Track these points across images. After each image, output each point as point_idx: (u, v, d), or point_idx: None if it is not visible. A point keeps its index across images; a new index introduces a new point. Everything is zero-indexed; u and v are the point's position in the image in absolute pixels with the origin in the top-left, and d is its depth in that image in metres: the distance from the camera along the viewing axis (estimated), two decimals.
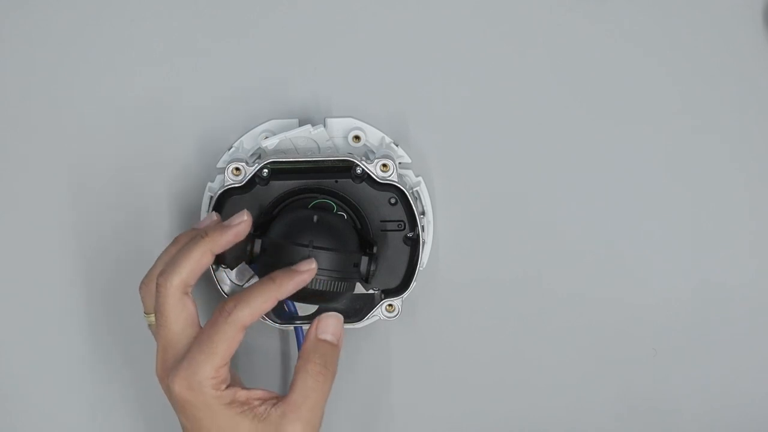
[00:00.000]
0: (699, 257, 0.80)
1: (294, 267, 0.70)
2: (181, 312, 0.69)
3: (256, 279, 0.76)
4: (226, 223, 0.71)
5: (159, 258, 0.73)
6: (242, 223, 0.71)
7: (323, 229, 0.72)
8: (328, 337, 0.71)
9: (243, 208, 0.74)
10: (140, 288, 0.73)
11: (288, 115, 0.78)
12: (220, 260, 0.76)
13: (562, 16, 0.78)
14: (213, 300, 0.79)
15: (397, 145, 0.78)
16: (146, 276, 0.73)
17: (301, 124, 0.77)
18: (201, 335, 0.68)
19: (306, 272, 0.70)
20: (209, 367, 0.67)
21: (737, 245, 0.80)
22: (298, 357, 0.70)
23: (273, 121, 0.78)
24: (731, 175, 0.80)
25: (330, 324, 0.71)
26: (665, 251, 0.80)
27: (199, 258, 0.69)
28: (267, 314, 0.76)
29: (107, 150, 0.79)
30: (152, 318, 0.72)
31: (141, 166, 0.79)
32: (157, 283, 0.69)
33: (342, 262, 0.72)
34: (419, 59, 0.78)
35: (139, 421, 0.82)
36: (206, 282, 0.78)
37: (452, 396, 0.81)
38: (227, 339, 0.68)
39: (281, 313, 0.77)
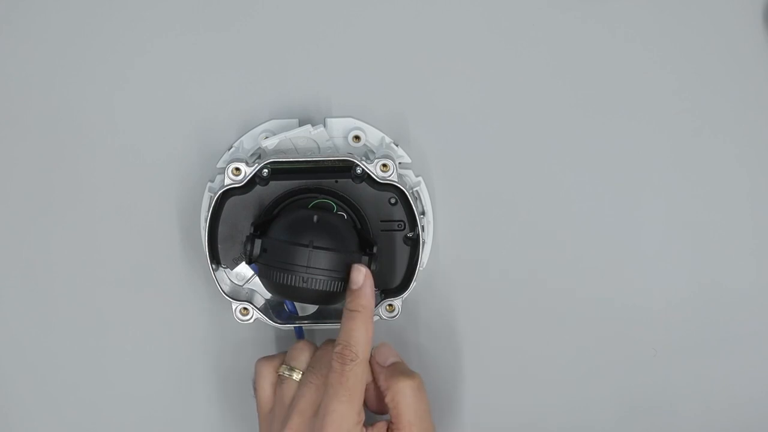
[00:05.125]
0: (699, 257, 0.80)
1: (351, 285, 0.72)
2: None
3: (256, 279, 0.76)
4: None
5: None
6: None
7: (323, 229, 0.72)
8: (394, 359, 0.74)
9: (243, 208, 0.74)
10: (297, 346, 0.75)
11: (288, 115, 0.79)
12: (220, 260, 0.76)
13: (563, 15, 0.78)
14: (213, 300, 0.79)
15: (397, 145, 0.78)
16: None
17: (301, 124, 0.77)
18: (335, 387, 0.70)
19: (366, 282, 0.72)
20: (354, 413, 0.70)
21: (738, 246, 0.80)
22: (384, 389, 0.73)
23: (273, 121, 0.78)
24: (731, 176, 0.80)
25: (385, 352, 0.74)
26: (666, 252, 0.80)
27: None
28: (267, 314, 0.76)
29: (107, 150, 0.79)
30: (296, 374, 0.73)
31: (141, 166, 0.79)
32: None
33: (342, 262, 0.72)
34: (419, 59, 0.78)
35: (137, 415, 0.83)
36: (206, 282, 0.78)
37: (452, 396, 0.81)
38: (360, 381, 0.71)
39: (281, 312, 0.77)
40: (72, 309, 0.81)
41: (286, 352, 0.75)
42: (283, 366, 0.74)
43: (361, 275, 0.72)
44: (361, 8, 0.78)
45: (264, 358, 0.76)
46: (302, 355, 0.74)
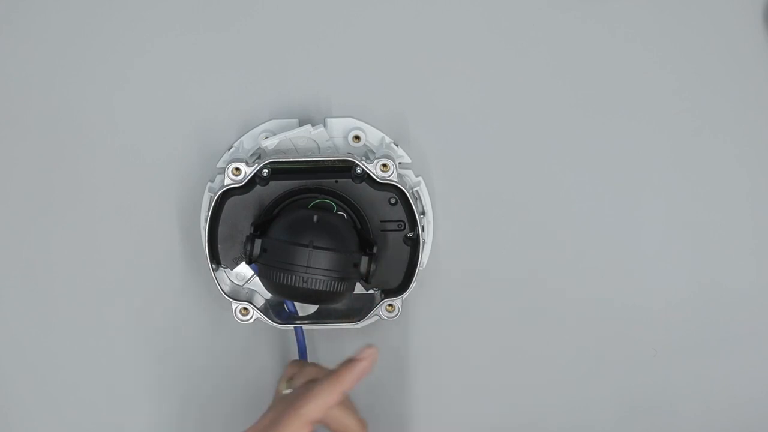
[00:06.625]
0: (699, 257, 0.80)
1: (356, 356, 0.70)
2: None
3: (256, 279, 0.76)
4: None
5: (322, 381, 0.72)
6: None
7: (323, 229, 0.72)
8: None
9: (243, 208, 0.74)
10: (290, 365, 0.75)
11: (288, 115, 0.79)
12: (220, 260, 0.76)
13: (563, 15, 0.78)
14: (213, 300, 0.79)
15: (397, 145, 0.78)
16: (296, 362, 0.74)
17: (301, 124, 0.77)
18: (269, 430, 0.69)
19: (366, 359, 0.70)
20: None
21: (738, 246, 0.80)
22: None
23: (273, 121, 0.78)
24: (731, 176, 0.80)
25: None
26: (666, 252, 0.80)
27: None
28: (267, 314, 0.76)
29: (107, 150, 0.79)
30: (284, 387, 0.73)
31: (141, 166, 0.79)
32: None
33: (342, 262, 0.72)
34: (419, 59, 0.78)
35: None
36: (206, 282, 0.78)
37: (452, 396, 0.81)
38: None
39: (281, 312, 0.77)
40: (72, 309, 0.81)
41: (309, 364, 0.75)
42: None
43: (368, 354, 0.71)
44: (361, 8, 0.78)
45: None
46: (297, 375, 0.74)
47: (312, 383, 0.70)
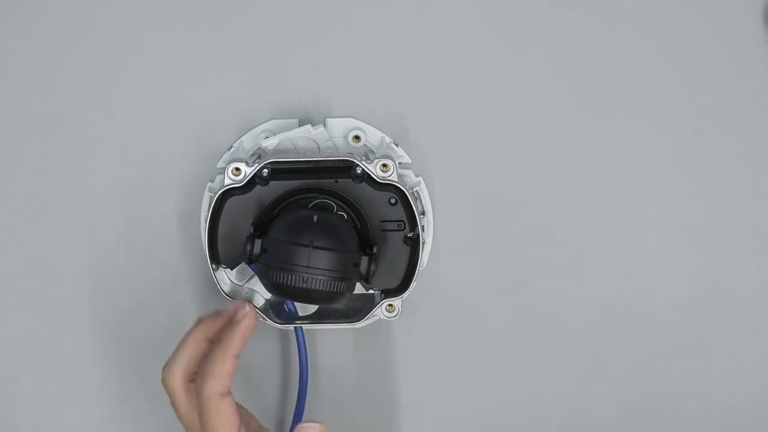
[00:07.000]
0: (699, 257, 0.80)
1: (234, 319, 0.71)
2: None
3: (256, 279, 0.76)
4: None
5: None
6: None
7: (323, 229, 0.72)
8: None
9: (243, 208, 0.74)
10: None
11: (288, 115, 0.79)
12: (220, 260, 0.76)
13: (563, 15, 0.78)
14: (213, 300, 0.79)
15: (397, 145, 0.78)
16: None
17: (301, 124, 0.77)
18: (199, 420, 0.70)
19: (244, 318, 0.71)
20: None
21: (738, 246, 0.80)
22: None
23: (273, 121, 0.78)
24: (731, 176, 0.80)
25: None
26: (665, 252, 0.80)
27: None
28: (267, 314, 0.76)
29: (107, 150, 0.79)
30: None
31: (141, 166, 0.80)
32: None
33: (342, 262, 0.72)
34: (419, 59, 0.78)
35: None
36: (206, 282, 0.78)
37: (452, 396, 0.81)
38: (214, 413, 0.70)
39: (281, 312, 0.77)
40: (72, 309, 0.81)
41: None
42: None
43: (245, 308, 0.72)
44: (361, 8, 0.78)
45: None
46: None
47: (206, 361, 0.71)
